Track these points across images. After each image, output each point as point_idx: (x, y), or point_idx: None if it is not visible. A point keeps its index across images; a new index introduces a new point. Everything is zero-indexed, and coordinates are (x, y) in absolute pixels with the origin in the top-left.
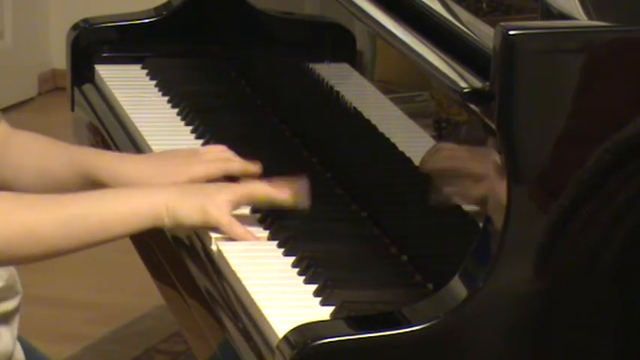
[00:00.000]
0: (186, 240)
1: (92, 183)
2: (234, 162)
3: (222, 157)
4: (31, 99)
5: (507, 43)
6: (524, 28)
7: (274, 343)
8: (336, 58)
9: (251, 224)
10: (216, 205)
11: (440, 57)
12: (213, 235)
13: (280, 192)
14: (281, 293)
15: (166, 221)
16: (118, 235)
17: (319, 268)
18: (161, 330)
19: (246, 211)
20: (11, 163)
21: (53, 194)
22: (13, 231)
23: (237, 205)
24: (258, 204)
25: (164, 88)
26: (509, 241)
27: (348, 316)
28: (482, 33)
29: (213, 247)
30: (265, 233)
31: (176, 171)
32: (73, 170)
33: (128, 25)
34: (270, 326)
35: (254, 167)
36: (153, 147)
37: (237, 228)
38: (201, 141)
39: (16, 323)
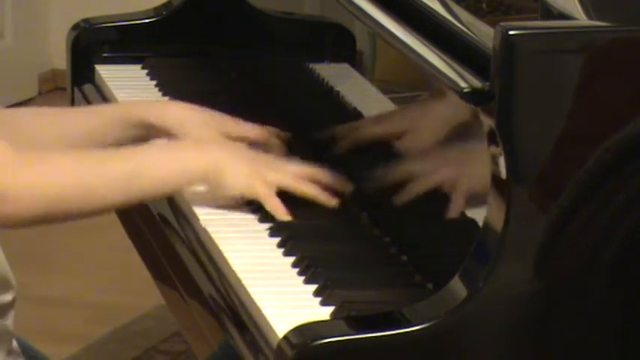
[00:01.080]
0: (187, 240)
1: (129, 130)
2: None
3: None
4: (31, 99)
5: (507, 43)
6: (524, 28)
7: (274, 343)
8: (336, 58)
9: (251, 224)
10: (264, 182)
11: (440, 57)
12: (214, 235)
13: (323, 197)
14: (281, 293)
15: (210, 183)
16: (167, 192)
17: (319, 268)
18: (161, 330)
19: (246, 210)
20: (24, 142)
21: (107, 150)
22: (73, 187)
23: (281, 186)
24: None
25: (164, 88)
26: (509, 241)
27: (348, 316)
28: (483, 33)
29: (214, 248)
30: (266, 233)
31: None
32: (108, 122)
33: (128, 25)
34: (270, 326)
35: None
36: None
37: (275, 203)
38: None
39: (11, 318)
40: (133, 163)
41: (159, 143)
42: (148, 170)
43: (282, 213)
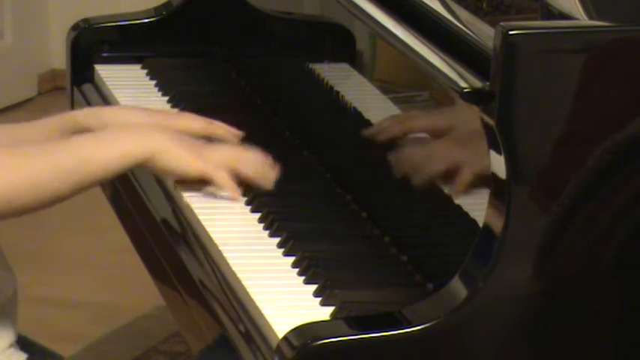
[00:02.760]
0: (187, 240)
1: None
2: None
3: (232, 163)
4: (31, 99)
5: (507, 43)
6: (524, 28)
7: (274, 343)
8: (336, 58)
9: (250, 224)
10: (205, 159)
11: (440, 57)
12: (214, 235)
13: (263, 180)
14: (281, 293)
15: (151, 164)
16: (112, 176)
17: (319, 268)
18: (161, 330)
19: (245, 210)
20: None
21: (47, 142)
22: (19, 183)
23: (223, 165)
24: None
25: (164, 88)
26: (509, 241)
27: (348, 316)
28: (483, 33)
29: (214, 248)
30: (266, 233)
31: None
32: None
33: (128, 25)
34: (270, 326)
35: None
36: None
37: (224, 179)
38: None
39: (15, 315)
40: (80, 152)
41: (99, 132)
42: (93, 158)
43: (231, 187)
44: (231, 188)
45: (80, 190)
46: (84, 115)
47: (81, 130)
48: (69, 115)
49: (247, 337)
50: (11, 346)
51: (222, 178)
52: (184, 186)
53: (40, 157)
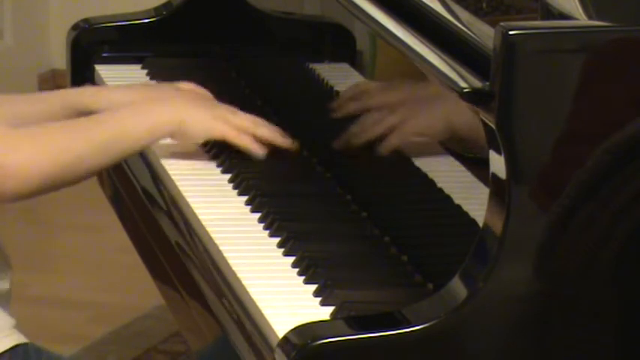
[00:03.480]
0: (187, 241)
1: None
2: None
3: (251, 126)
4: None
5: (507, 43)
6: (524, 28)
7: (274, 343)
8: (336, 58)
9: (250, 224)
10: (226, 123)
11: (440, 57)
12: (214, 235)
13: (280, 141)
14: (281, 293)
15: (179, 134)
16: (142, 148)
17: (319, 268)
18: (161, 330)
19: (245, 210)
20: None
21: (88, 118)
22: (66, 158)
23: (242, 128)
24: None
25: None
26: (509, 241)
27: (348, 316)
28: (483, 33)
29: (214, 248)
30: (266, 233)
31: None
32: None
33: (128, 25)
34: (270, 326)
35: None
36: (154, 148)
37: (245, 138)
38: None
39: (7, 305)
40: (114, 127)
41: (129, 106)
42: (126, 132)
43: (256, 147)
44: (254, 147)
45: (114, 163)
46: (90, 95)
47: (86, 111)
48: (72, 94)
49: (247, 337)
50: (14, 327)
51: (244, 139)
52: (184, 183)
53: (83, 135)
